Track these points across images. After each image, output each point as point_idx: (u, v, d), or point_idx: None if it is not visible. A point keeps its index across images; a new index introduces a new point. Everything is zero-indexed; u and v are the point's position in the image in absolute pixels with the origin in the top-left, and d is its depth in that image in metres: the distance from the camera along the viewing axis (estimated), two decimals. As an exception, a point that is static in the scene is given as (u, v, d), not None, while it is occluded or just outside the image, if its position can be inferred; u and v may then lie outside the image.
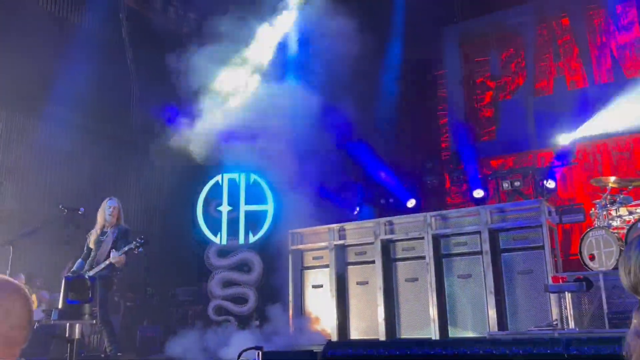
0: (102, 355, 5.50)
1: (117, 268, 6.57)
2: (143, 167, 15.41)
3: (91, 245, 6.70)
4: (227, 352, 9.30)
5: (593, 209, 8.28)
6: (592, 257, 7.67)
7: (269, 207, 12.12)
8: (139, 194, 15.46)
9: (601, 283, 6.73)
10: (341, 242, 10.16)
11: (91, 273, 6.35)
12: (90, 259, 6.64)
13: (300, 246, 10.58)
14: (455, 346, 4.46)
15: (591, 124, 12.62)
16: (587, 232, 7.92)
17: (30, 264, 12.61)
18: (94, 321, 3.75)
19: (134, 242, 6.44)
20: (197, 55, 11.62)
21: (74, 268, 6.69)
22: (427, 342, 8.11)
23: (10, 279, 1.73)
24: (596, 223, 8.09)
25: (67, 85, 12.34)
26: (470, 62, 14.93)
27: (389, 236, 9.77)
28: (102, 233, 6.72)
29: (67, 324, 3.59)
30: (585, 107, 12.71)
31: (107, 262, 6.40)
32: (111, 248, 6.56)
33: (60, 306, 3.61)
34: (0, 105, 12.49)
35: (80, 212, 7.18)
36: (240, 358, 4.41)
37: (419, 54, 13.66)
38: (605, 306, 6.60)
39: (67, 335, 3.57)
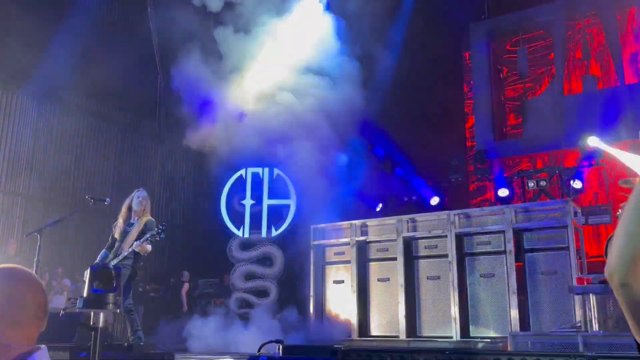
0: (126, 344, 5.58)
1: (141, 258, 6.63)
2: (167, 159, 15.59)
3: (117, 236, 6.77)
4: (247, 344, 9.37)
5: (620, 210, 8.13)
6: (618, 260, 7.52)
7: (292, 202, 12.16)
8: (163, 186, 15.64)
9: (627, 286, 6.61)
10: (363, 238, 10.14)
11: (115, 262, 6.43)
12: (114, 249, 6.72)
13: (322, 241, 10.58)
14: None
15: (621, 123, 12.39)
16: (614, 233, 7.79)
17: (56, 252, 12.86)
18: (118, 310, 3.82)
19: (155, 229, 6.50)
20: (224, 47, 11.65)
21: (99, 258, 6.78)
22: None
23: (26, 269, 1.80)
24: (623, 225, 7.93)
25: (95, 78, 12.51)
26: (498, 59, 14.77)
27: (411, 233, 9.72)
28: (129, 224, 6.78)
29: (92, 312, 3.64)
30: (615, 107, 12.49)
31: (130, 249, 6.46)
32: (137, 239, 6.62)
33: (85, 295, 3.66)
34: (29, 95, 12.72)
35: (106, 203, 7.25)
36: (261, 351, 4.43)
37: (447, 49, 13.53)
38: (630, 309, 6.48)
39: (91, 323, 3.62)
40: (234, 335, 10.36)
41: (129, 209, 6.87)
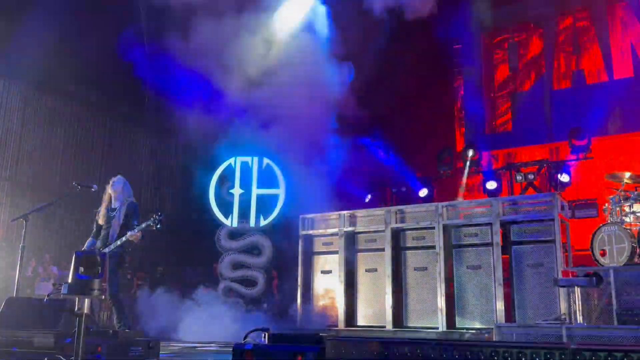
0: (111, 331, 5.57)
1: (129, 245, 6.60)
2: (156, 147, 15.51)
3: (101, 222, 6.74)
4: (234, 332, 9.39)
5: (607, 204, 8.19)
6: (603, 253, 7.60)
7: (281, 192, 12.16)
8: (152, 173, 15.56)
9: (611, 279, 6.68)
10: (351, 228, 10.15)
11: (106, 250, 6.40)
12: (102, 236, 6.68)
13: (311, 231, 10.58)
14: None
15: (609, 118, 12.47)
16: (600, 227, 7.85)
17: (43, 239, 12.78)
18: (103, 296, 3.79)
19: (151, 219, 6.46)
20: (214, 30, 11.49)
21: (86, 246, 6.73)
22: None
23: None
24: (609, 219, 8.01)
25: (82, 64, 12.39)
26: (489, 52, 14.79)
27: (399, 225, 9.75)
28: (111, 209, 6.74)
29: (76, 299, 3.62)
30: (604, 102, 12.55)
31: (123, 238, 6.43)
32: (122, 224, 6.59)
33: (70, 280, 3.64)
34: (16, 80, 12.59)
35: (93, 190, 7.21)
36: (246, 339, 4.44)
37: (437, 42, 13.51)
38: (614, 302, 6.56)
39: (75, 309, 3.61)
40: (220, 323, 10.37)
41: (109, 195, 6.85)
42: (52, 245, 13.00)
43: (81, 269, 3.64)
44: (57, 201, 7.79)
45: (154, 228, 6.53)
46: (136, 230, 6.44)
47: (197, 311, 10.94)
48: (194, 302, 11.47)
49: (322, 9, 12.00)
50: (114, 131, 15.00)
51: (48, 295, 4.23)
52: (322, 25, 11.90)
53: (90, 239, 6.88)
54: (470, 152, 12.43)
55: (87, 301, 3.68)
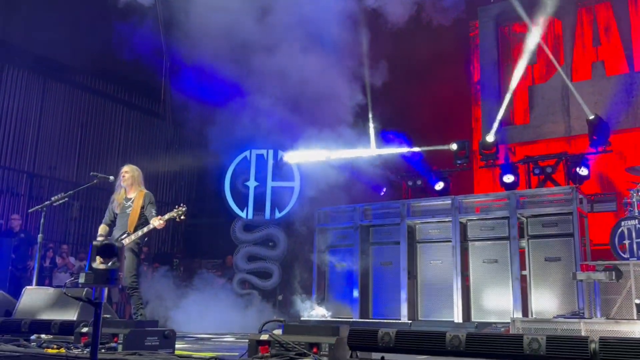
0: (128, 321, 5.60)
1: (147, 235, 6.62)
2: (172, 140, 15.58)
3: (117, 211, 6.75)
4: (249, 323, 9.43)
5: (626, 198, 8.07)
6: (623, 247, 7.51)
7: (296, 184, 12.16)
8: (168, 165, 15.63)
9: (631, 273, 6.58)
10: (367, 222, 10.12)
11: (132, 237, 6.44)
12: (119, 225, 6.68)
13: (326, 224, 10.57)
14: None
15: (629, 111, 12.29)
16: (619, 221, 7.75)
17: (61, 230, 12.91)
18: (120, 286, 3.81)
19: (175, 211, 6.51)
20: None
21: (99, 234, 6.75)
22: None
23: None
24: (629, 212, 7.89)
25: (100, 56, 12.45)
26: (507, 44, 14.62)
27: (415, 218, 9.71)
28: (126, 199, 6.75)
29: (94, 288, 3.64)
30: (624, 94, 12.37)
31: (150, 226, 6.45)
32: (141, 213, 6.60)
33: (87, 270, 3.65)
34: (35, 72, 12.69)
35: (110, 181, 7.23)
36: (262, 330, 4.44)
37: (453, 33, 13.38)
38: (634, 296, 6.46)
39: (93, 299, 3.62)
40: (235, 315, 10.42)
41: (120, 185, 6.87)
42: (70, 236, 13.12)
43: (98, 258, 3.64)
44: (75, 192, 7.82)
45: (178, 220, 6.59)
46: (164, 218, 6.49)
47: (212, 302, 11.01)
48: (209, 293, 11.54)
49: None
50: (131, 122, 15.10)
51: (66, 285, 4.25)
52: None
53: (103, 225, 6.87)
54: (487, 145, 12.32)
55: (103, 290, 3.69)
